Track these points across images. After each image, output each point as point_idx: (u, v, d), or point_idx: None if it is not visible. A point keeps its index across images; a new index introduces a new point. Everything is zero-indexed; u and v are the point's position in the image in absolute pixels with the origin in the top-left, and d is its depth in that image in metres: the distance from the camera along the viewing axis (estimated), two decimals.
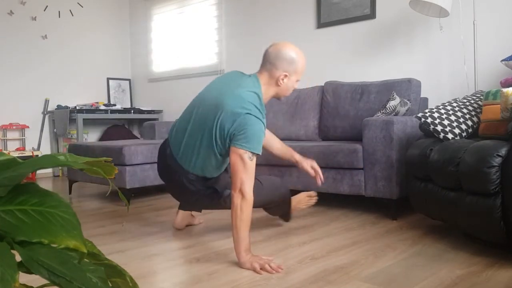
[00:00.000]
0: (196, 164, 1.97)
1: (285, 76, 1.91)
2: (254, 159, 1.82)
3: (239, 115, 1.81)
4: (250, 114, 1.81)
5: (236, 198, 1.77)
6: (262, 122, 1.86)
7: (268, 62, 1.93)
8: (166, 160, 2.06)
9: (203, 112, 1.93)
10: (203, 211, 2.41)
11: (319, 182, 2.20)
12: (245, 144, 1.79)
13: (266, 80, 1.94)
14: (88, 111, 4.84)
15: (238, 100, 1.83)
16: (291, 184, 3.00)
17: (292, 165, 2.96)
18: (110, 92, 5.63)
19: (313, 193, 2.47)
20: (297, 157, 2.27)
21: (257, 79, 1.94)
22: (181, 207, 2.37)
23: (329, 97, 3.42)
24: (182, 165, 1.99)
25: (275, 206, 2.32)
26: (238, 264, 1.76)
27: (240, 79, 1.95)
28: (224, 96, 1.88)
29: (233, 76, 2.01)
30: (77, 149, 3.47)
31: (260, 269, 1.69)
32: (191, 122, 1.97)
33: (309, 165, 2.24)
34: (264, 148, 2.05)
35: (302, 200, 2.43)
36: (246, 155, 1.79)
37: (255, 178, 1.87)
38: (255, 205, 1.88)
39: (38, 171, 4.90)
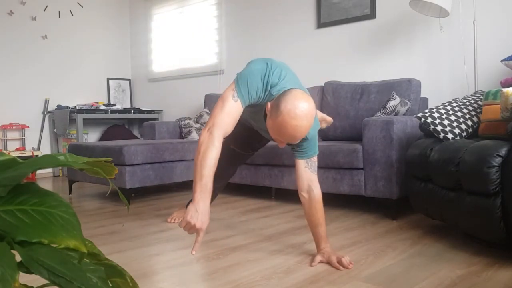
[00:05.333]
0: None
1: (267, 108, 1.63)
2: (239, 101, 1.64)
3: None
4: (267, 67, 1.69)
5: (203, 136, 1.62)
6: (263, 77, 1.66)
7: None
8: None
9: None
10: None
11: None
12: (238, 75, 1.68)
13: (275, 97, 1.66)
14: (88, 111, 4.84)
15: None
16: (291, 184, 3.00)
17: (292, 165, 2.96)
18: (110, 92, 5.63)
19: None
20: (324, 246, 1.83)
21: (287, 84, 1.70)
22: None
23: (329, 97, 3.42)
24: None
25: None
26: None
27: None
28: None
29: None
30: (77, 149, 3.47)
31: (185, 225, 1.53)
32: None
33: (335, 260, 1.75)
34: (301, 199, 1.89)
35: None
36: (231, 92, 1.64)
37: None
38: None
39: (38, 171, 4.90)
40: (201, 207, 1.54)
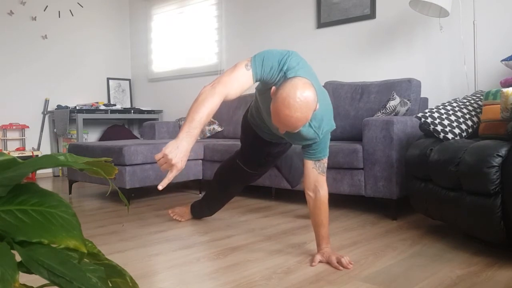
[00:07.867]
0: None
1: (271, 91, 1.61)
2: (251, 71, 1.62)
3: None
4: (287, 53, 1.68)
5: (205, 89, 1.61)
6: (281, 59, 1.64)
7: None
8: None
9: None
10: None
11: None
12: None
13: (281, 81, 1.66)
14: (88, 111, 4.84)
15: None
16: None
17: None
18: (110, 92, 5.63)
19: None
20: (324, 246, 1.85)
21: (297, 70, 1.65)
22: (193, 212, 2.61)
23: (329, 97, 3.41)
24: None
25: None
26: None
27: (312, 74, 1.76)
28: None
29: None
30: (77, 149, 3.47)
31: (161, 158, 1.53)
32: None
33: (335, 260, 1.76)
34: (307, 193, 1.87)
35: None
36: (245, 62, 1.64)
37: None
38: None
39: (38, 171, 4.90)
40: (183, 145, 1.52)
